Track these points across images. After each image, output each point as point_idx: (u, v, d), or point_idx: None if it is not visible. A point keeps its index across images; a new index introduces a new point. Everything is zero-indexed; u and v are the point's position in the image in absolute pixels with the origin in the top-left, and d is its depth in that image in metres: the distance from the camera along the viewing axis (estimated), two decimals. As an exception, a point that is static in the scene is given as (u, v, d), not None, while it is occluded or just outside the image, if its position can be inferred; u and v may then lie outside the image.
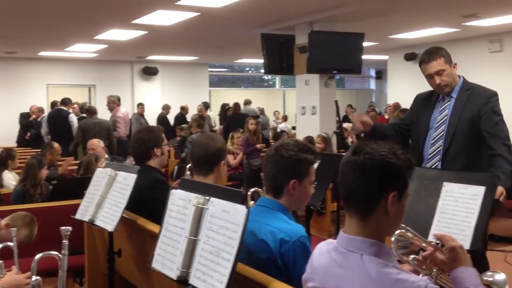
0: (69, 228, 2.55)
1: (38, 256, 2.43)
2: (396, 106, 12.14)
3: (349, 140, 9.01)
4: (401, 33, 10.92)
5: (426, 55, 3.35)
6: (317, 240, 2.23)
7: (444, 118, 3.34)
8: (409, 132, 3.60)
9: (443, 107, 3.38)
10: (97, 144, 6.12)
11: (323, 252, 1.66)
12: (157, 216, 2.76)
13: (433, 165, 3.31)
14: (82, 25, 9.13)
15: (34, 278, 2.39)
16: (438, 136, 3.33)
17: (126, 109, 10.10)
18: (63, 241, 2.53)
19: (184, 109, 13.53)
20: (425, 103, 3.50)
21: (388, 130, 3.63)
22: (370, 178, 1.53)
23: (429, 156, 3.34)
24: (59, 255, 2.49)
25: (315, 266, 1.67)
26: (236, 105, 12.01)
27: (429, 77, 3.34)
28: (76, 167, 6.22)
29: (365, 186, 1.54)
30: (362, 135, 3.81)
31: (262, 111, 14.69)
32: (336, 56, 8.35)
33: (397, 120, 3.71)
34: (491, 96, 3.28)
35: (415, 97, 3.65)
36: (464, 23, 9.56)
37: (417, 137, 3.46)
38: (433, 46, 3.43)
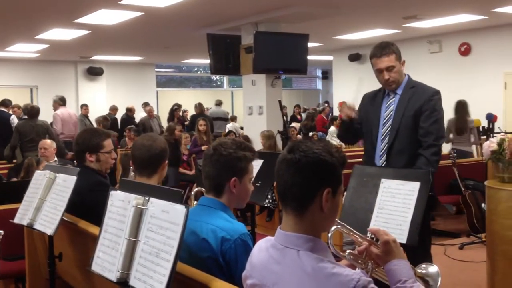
0: (1, 231, 2.47)
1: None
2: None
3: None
4: (344, 34, 11.15)
5: (378, 50, 3.39)
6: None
7: (390, 114, 3.43)
8: (360, 130, 3.65)
9: (388, 103, 3.47)
10: (49, 144, 5.93)
11: (262, 249, 1.69)
12: (98, 219, 2.73)
13: (385, 161, 3.40)
14: (22, 24, 8.85)
15: None
16: (386, 132, 3.42)
17: (68, 110, 9.85)
18: None
19: (130, 111, 13.34)
20: (372, 101, 3.57)
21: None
22: (305, 175, 1.57)
23: (381, 153, 3.43)
24: None
25: (254, 263, 1.69)
26: (200, 105, 11.95)
27: (378, 71, 3.40)
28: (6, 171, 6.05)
29: (300, 183, 1.57)
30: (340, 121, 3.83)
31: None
32: (281, 57, 8.44)
33: None
34: (434, 94, 3.39)
35: (362, 96, 3.71)
36: (405, 24, 9.87)
37: (369, 134, 3.52)
38: (385, 41, 3.49)
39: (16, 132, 8.01)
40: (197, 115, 11.66)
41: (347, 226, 1.78)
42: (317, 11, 8.21)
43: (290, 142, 1.69)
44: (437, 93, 3.41)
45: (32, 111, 8.24)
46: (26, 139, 7.68)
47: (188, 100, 13.34)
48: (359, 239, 1.82)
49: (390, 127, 3.40)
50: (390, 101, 3.46)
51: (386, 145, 3.40)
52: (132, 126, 11.54)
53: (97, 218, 2.76)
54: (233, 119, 14.22)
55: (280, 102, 4.99)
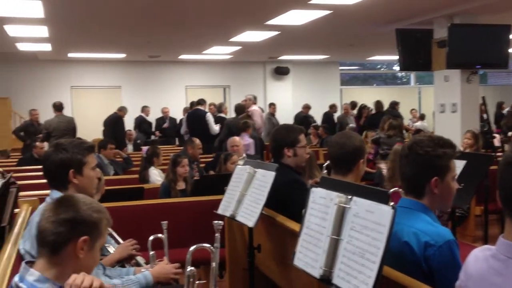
0: (221, 222, 2.63)
1: (192, 248, 2.52)
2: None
3: (496, 140, 8.39)
4: (554, 23, 9.95)
5: None
6: (460, 245, 2.08)
7: None
8: None
9: None
10: (238, 141, 6.35)
11: (479, 258, 1.55)
12: (292, 215, 2.78)
13: None
14: (219, 29, 9.51)
15: (189, 268, 2.46)
16: None
17: (259, 107, 10.52)
18: (216, 234, 2.61)
19: (332, 108, 13.65)
20: None
21: None
22: None
23: None
24: (212, 248, 2.58)
25: (471, 273, 1.56)
26: (378, 103, 11.77)
27: None
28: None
29: None
30: None
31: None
32: (479, 50, 7.88)
33: None
34: None
35: None
36: None
37: None
38: None
39: (226, 127, 8.90)
40: (375, 114, 11.40)
41: None
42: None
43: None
44: None
45: (237, 109, 9.48)
46: (234, 134, 8.32)
47: (372, 98, 13.05)
48: None
49: None
50: None
51: None
52: (316, 123, 11.73)
53: (291, 215, 2.82)
54: (422, 117, 13.63)
55: (484, 98, 4.62)
